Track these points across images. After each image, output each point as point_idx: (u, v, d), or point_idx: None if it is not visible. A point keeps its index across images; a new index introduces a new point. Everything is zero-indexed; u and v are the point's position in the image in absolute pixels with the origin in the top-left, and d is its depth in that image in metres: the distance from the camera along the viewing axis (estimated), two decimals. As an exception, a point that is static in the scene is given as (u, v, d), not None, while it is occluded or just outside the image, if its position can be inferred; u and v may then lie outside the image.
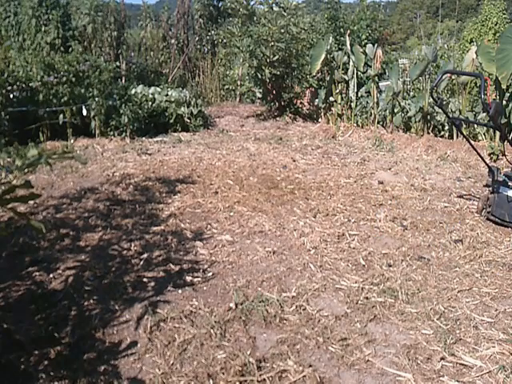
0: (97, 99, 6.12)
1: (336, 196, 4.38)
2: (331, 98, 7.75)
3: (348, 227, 3.69)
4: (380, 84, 7.45)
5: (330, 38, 7.86)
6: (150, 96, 6.94)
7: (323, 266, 3.08)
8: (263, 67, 7.79)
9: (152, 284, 2.80)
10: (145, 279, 2.85)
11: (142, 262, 3.05)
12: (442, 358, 2.22)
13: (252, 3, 8.51)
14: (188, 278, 2.88)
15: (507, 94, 6.09)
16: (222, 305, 2.61)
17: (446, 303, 2.67)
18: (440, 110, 6.44)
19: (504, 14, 13.69)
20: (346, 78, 7.53)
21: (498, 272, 3.04)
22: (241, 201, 4.16)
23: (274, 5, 7.97)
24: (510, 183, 3.73)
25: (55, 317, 2.45)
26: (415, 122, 6.87)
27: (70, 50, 7.82)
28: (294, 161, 5.58)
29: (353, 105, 7.51)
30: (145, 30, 10.33)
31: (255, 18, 8.39)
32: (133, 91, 6.81)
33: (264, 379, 2.04)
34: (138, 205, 4.04)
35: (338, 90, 7.63)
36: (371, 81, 7.32)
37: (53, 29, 8.57)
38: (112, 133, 6.38)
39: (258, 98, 9.07)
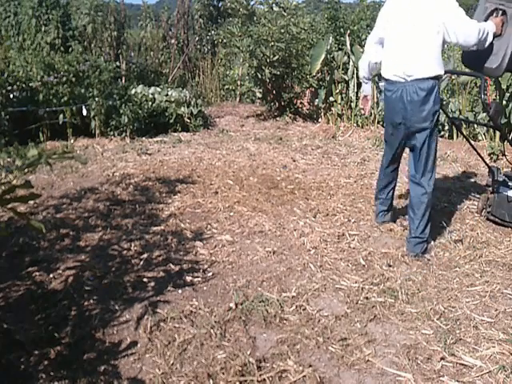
0: (97, 99, 6.12)
1: (336, 196, 4.38)
2: (331, 98, 7.74)
3: (348, 227, 3.69)
4: (380, 84, 7.44)
5: (330, 38, 7.85)
6: (150, 96, 6.93)
7: (323, 265, 3.08)
8: (263, 67, 7.78)
9: (152, 284, 2.80)
10: (145, 279, 2.85)
11: (141, 262, 3.05)
12: (442, 358, 2.22)
13: (252, 3, 8.52)
14: (188, 278, 2.88)
15: (507, 94, 6.09)
16: (222, 305, 2.61)
17: (445, 303, 2.67)
18: (440, 110, 6.42)
19: (504, 13, 13.68)
20: (346, 78, 7.53)
21: (498, 272, 3.04)
22: (241, 201, 4.16)
23: (274, 5, 7.96)
24: (510, 183, 3.73)
25: (55, 317, 2.45)
26: (415, 122, 6.86)
27: (70, 50, 7.80)
28: (294, 161, 5.58)
29: (353, 105, 7.51)
30: (145, 30, 10.33)
31: (255, 18, 8.38)
32: (133, 91, 6.81)
33: (264, 379, 2.04)
34: (138, 205, 4.04)
35: (338, 90, 7.62)
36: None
37: (53, 29, 8.58)
38: (112, 133, 6.38)
39: (258, 98, 9.05)
